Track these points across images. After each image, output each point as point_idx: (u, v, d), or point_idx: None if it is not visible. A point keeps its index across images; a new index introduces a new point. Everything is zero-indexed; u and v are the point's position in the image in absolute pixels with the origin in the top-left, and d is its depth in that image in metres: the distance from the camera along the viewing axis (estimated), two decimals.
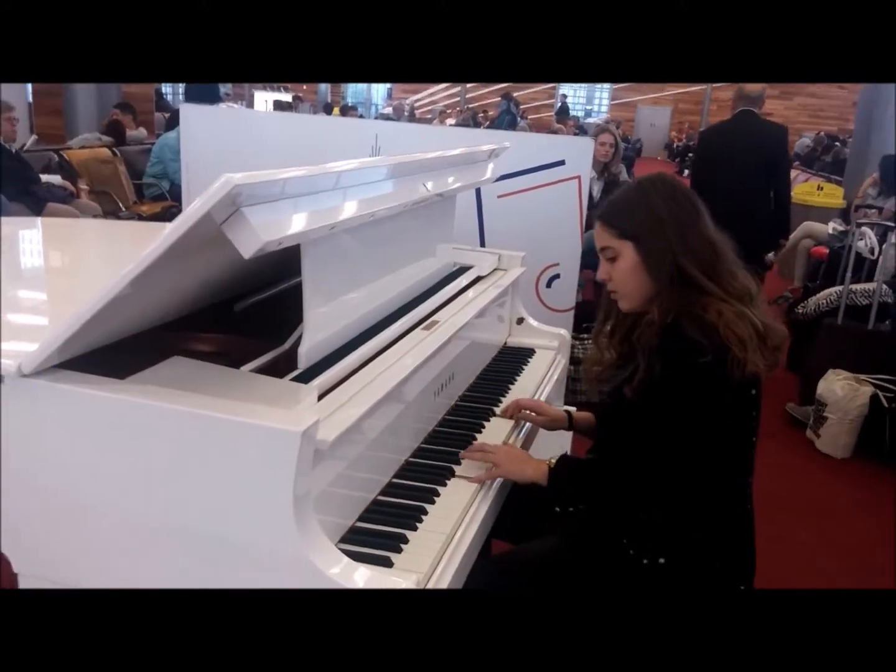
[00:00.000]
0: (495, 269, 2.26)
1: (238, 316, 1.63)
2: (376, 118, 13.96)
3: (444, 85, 19.73)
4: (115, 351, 1.27)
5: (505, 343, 2.29)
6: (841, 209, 7.61)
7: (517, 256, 2.32)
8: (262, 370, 1.33)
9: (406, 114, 14.80)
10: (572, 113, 19.59)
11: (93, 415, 1.12)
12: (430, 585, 1.17)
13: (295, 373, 1.32)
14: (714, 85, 21.35)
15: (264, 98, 16.43)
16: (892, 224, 4.50)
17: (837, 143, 13.26)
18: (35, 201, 4.68)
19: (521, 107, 18.89)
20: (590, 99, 24.60)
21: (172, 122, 6.83)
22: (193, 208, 0.95)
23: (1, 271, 1.73)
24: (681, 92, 22.39)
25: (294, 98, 15.71)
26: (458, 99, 19.70)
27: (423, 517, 1.32)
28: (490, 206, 2.95)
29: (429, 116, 16.04)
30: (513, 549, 1.61)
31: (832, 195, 8.09)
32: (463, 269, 2.14)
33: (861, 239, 4.52)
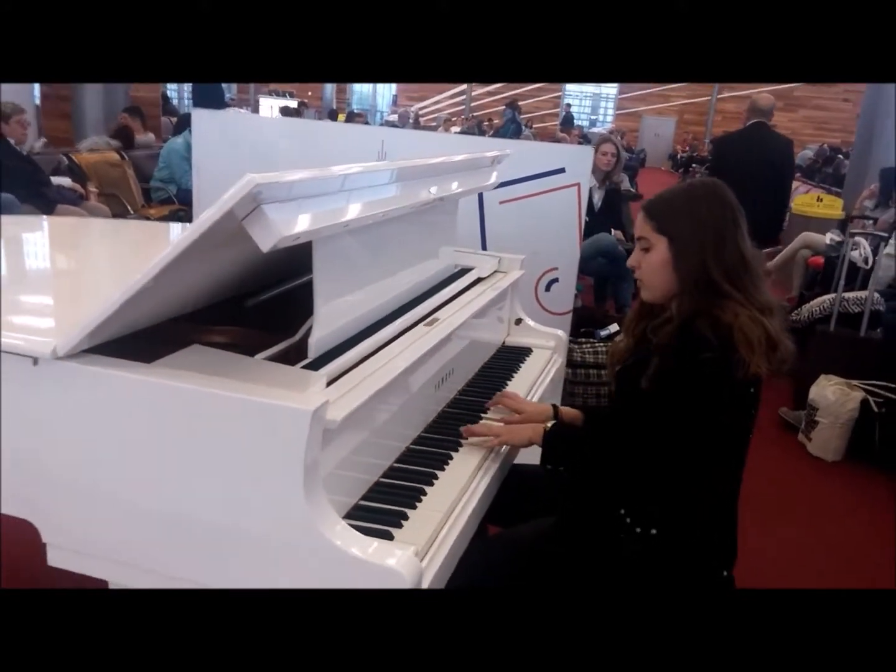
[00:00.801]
0: (495, 272, 2.35)
1: (249, 311, 1.73)
2: (381, 125, 14.08)
3: (449, 93, 19.86)
4: (137, 340, 1.36)
5: (504, 342, 2.39)
6: (840, 220, 7.69)
7: (517, 259, 2.42)
8: (274, 359, 1.42)
9: (411, 121, 14.92)
10: (577, 122, 19.72)
11: (120, 396, 1.22)
12: (428, 558, 1.26)
13: (305, 361, 1.41)
14: (719, 96, 21.47)
15: (269, 104, 16.58)
16: (886, 234, 4.59)
17: (840, 156, 13.37)
18: (46, 203, 4.78)
19: (527, 116, 19.05)
20: (595, 109, 24.75)
21: (180, 126, 6.95)
22: (219, 204, 1.05)
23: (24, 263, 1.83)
24: (686, 103, 22.53)
25: (299, 104, 15.85)
26: (463, 107, 19.84)
27: (423, 497, 1.42)
28: (492, 211, 3.04)
29: (433, 124, 16.17)
30: (506, 530, 1.70)
31: (831, 206, 8.18)
32: (464, 271, 2.23)
33: (855, 249, 4.62)
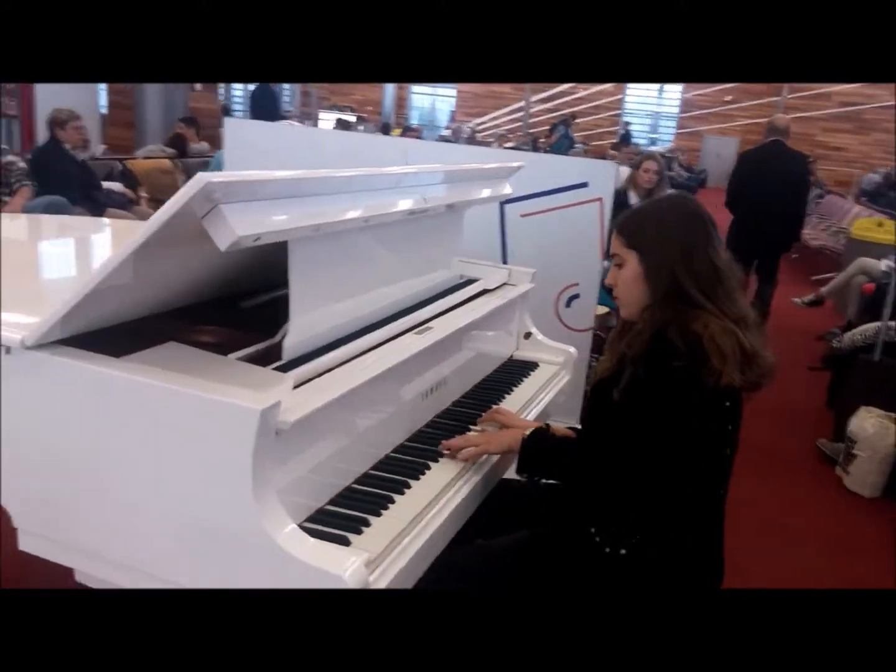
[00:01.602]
0: (505, 284, 2.33)
1: (246, 312, 1.75)
2: (437, 140, 14.20)
3: (507, 108, 19.89)
4: (126, 334, 1.39)
5: (511, 356, 2.36)
6: None
7: (528, 272, 2.39)
8: (249, 359, 1.43)
9: (465, 136, 14.98)
10: (635, 141, 19.51)
11: (85, 387, 1.24)
12: (383, 567, 1.24)
13: (278, 364, 1.41)
14: (785, 116, 21.04)
15: (329, 118, 16.84)
16: None
17: None
18: (96, 206, 4.95)
19: (585, 133, 18.93)
20: (655, 128, 24.49)
21: None
22: (171, 202, 1.06)
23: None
24: (749, 123, 22.11)
25: (357, 118, 16.09)
26: (520, 123, 19.88)
27: (390, 505, 1.40)
28: (513, 224, 3.03)
29: (490, 140, 16.21)
30: (483, 542, 1.67)
31: (891, 232, 7.91)
32: (470, 282, 2.22)
33: None
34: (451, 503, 1.48)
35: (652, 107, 23.85)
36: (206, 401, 1.16)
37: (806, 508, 3.43)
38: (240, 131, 3.15)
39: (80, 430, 1.26)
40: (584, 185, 2.93)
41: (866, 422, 3.64)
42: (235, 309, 1.74)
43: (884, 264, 6.19)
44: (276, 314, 1.68)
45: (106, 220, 3.65)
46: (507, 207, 2.99)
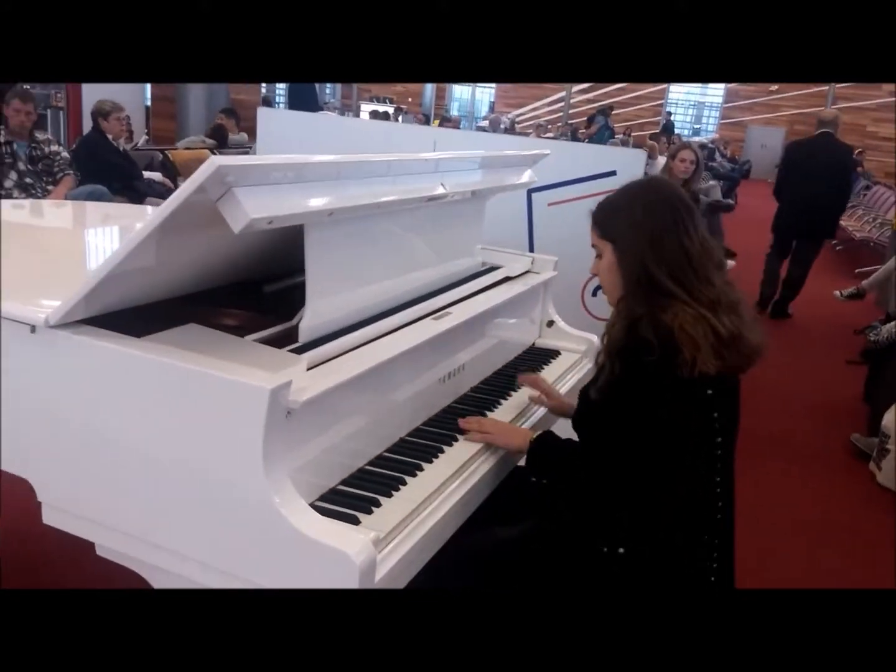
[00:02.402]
0: (527, 272, 2.34)
1: (269, 296, 1.78)
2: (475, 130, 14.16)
3: (547, 99, 19.76)
4: (151, 316, 1.43)
5: (533, 344, 2.36)
6: None
7: (551, 260, 2.39)
8: (266, 341, 1.46)
9: (503, 127, 14.93)
10: (679, 131, 19.23)
11: (105, 364, 1.29)
12: (391, 546, 1.26)
13: (294, 346, 1.44)
14: (832, 107, 20.54)
15: (370, 109, 16.93)
16: None
17: None
18: (136, 195, 5.06)
19: (626, 124, 18.72)
20: (698, 118, 24.10)
21: None
22: (184, 185, 1.09)
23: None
24: (796, 113, 21.62)
25: (396, 109, 16.14)
26: (560, 114, 19.73)
27: (401, 487, 1.42)
28: (540, 213, 3.03)
29: (529, 131, 16.12)
30: (492, 531, 1.68)
31: None
32: (492, 269, 2.22)
33: None
34: (463, 487, 1.50)
35: (695, 97, 23.49)
36: (219, 379, 1.19)
37: (833, 502, 3.38)
38: (273, 121, 3.19)
39: (100, 406, 1.31)
40: (612, 173, 2.91)
41: None
42: (259, 293, 1.77)
43: None
44: (297, 298, 1.71)
45: (148, 208, 3.73)
46: (535, 196, 2.99)
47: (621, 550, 1.41)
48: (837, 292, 6.55)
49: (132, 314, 1.42)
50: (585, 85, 18.62)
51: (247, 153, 6.84)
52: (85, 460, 1.34)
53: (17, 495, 1.52)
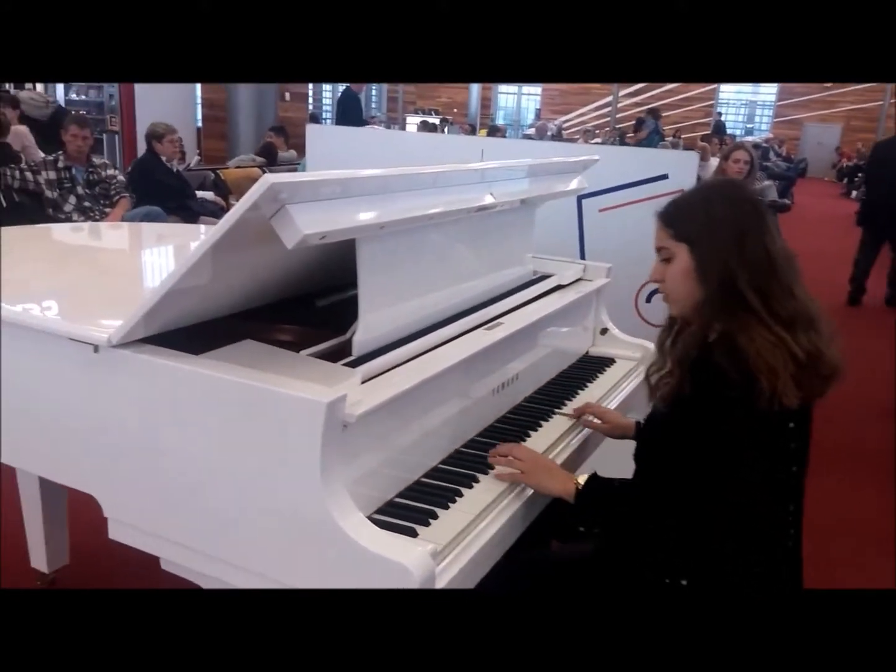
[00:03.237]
0: (579, 280, 2.31)
1: (322, 311, 1.80)
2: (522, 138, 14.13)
3: (593, 105, 19.64)
4: (207, 333, 1.45)
5: (587, 352, 2.34)
6: None
7: (603, 267, 2.36)
8: (320, 355, 1.48)
9: (550, 134, 14.86)
10: (731, 131, 18.91)
11: (166, 382, 1.31)
12: (448, 559, 1.26)
13: (348, 359, 1.45)
14: (892, 101, 19.91)
15: (415, 121, 17.05)
16: None
17: None
18: (190, 215, 5.18)
19: (677, 125, 18.48)
20: (751, 117, 23.66)
21: None
22: (239, 204, 1.11)
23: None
24: (853, 108, 21.05)
25: (442, 120, 16.22)
26: (608, 119, 19.57)
27: (458, 498, 1.42)
28: (591, 219, 3.00)
29: (577, 137, 16.02)
30: (542, 549, 1.65)
31: None
32: (544, 278, 2.21)
33: None
34: (520, 499, 1.48)
35: (747, 96, 23.07)
36: (276, 394, 1.20)
37: None
38: (321, 137, 3.24)
39: (160, 422, 1.33)
40: (664, 177, 2.87)
41: None
42: (312, 308, 1.79)
43: None
44: (350, 312, 1.72)
45: (202, 227, 3.82)
46: (585, 202, 2.96)
47: (684, 582, 1.35)
48: None
49: (189, 332, 1.45)
50: (632, 88, 18.44)
51: (296, 170, 6.95)
52: (147, 476, 1.36)
53: (85, 511, 1.56)
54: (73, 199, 4.64)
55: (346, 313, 1.70)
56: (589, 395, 2.00)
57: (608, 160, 2.67)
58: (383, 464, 1.39)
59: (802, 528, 1.45)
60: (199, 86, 10.96)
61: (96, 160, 4.93)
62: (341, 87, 9.43)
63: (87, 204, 4.69)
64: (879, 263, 6.87)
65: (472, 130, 14.50)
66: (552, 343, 2.07)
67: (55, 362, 1.46)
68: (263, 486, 1.24)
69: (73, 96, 10.08)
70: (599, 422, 1.83)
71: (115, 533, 1.44)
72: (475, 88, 21.54)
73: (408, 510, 1.36)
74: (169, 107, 8.06)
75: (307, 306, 1.78)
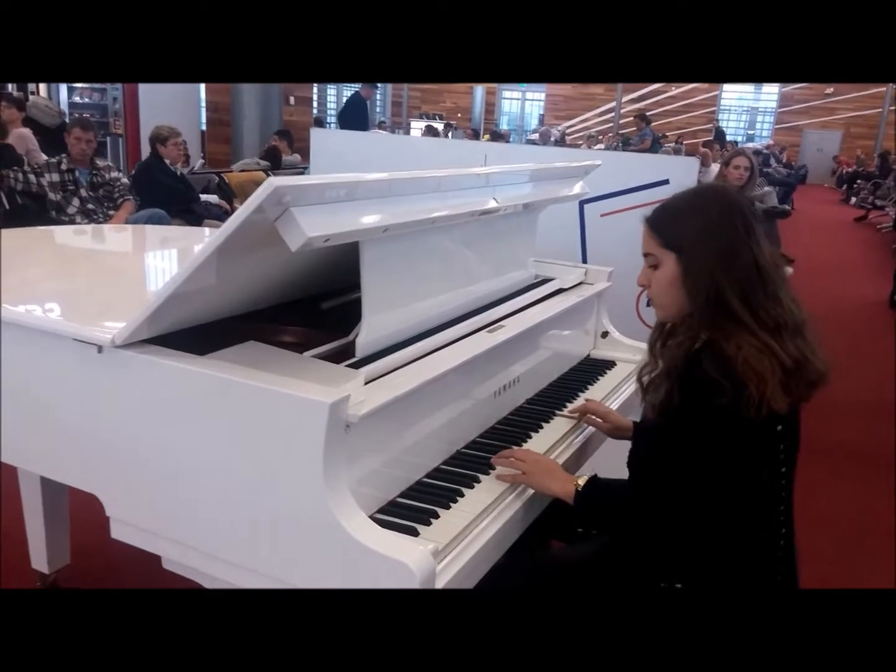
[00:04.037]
0: (581, 283, 2.33)
1: (326, 313, 1.81)
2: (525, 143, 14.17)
3: (597, 110, 19.69)
4: (212, 335, 1.46)
5: (588, 355, 2.35)
6: None
7: (604, 271, 2.37)
8: (324, 357, 1.49)
9: (553, 140, 14.89)
10: (732, 138, 18.91)
11: (169, 382, 1.33)
12: (449, 558, 1.27)
13: (351, 361, 1.46)
14: (891, 108, 19.90)
15: (420, 126, 17.09)
16: None
17: None
18: (194, 218, 5.19)
19: (678, 132, 18.53)
20: (752, 123, 23.69)
21: None
22: (243, 206, 1.12)
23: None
24: (853, 115, 21.09)
25: (446, 125, 16.27)
26: (611, 125, 19.61)
27: (459, 498, 1.43)
28: (593, 224, 3.01)
29: (580, 143, 16.06)
30: (543, 548, 1.65)
31: None
32: (546, 281, 2.22)
33: None
34: (520, 499, 1.49)
35: (748, 102, 23.10)
36: (280, 394, 1.21)
37: None
38: (325, 141, 3.25)
39: (163, 422, 1.34)
40: (665, 182, 2.88)
41: None
42: (316, 310, 1.80)
43: None
44: (353, 314, 1.73)
45: (206, 230, 3.84)
46: (587, 207, 2.98)
47: (678, 585, 1.37)
48: None
49: (193, 333, 1.46)
50: (635, 94, 18.49)
51: (300, 173, 6.97)
52: (150, 475, 1.37)
53: (86, 511, 1.57)
54: (76, 202, 4.65)
55: (350, 315, 1.72)
56: (589, 397, 2.01)
57: (610, 165, 2.69)
58: (385, 464, 1.40)
59: (794, 527, 1.46)
60: (203, 89, 11.00)
61: (100, 163, 4.95)
62: (346, 91, 9.45)
63: (90, 207, 4.70)
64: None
65: (476, 135, 14.52)
66: (554, 346, 2.08)
67: (59, 362, 1.48)
68: (266, 486, 1.25)
69: (77, 99, 10.12)
70: (601, 421, 1.84)
71: (118, 532, 1.45)
72: (479, 93, 21.58)
73: (409, 510, 1.37)
74: (173, 110, 8.10)
75: (311, 308, 1.80)
